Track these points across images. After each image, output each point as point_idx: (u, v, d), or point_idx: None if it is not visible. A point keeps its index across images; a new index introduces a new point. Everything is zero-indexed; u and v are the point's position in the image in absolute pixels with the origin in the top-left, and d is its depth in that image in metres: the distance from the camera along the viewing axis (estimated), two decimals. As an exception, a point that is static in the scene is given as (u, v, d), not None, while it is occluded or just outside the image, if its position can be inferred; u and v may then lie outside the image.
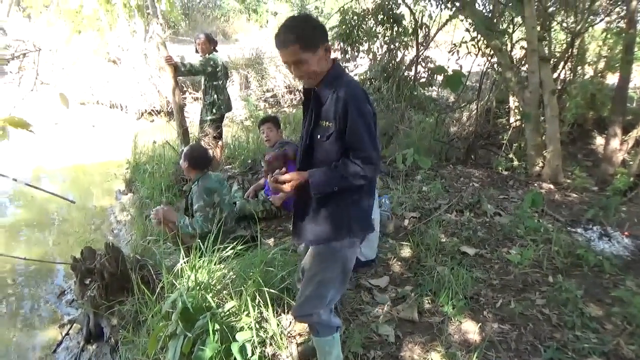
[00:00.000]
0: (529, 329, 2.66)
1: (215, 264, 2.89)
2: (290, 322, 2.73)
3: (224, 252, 3.01)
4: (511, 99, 6.79)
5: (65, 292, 4.08)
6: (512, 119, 6.76)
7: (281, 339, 2.52)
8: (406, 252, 3.57)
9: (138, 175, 5.57)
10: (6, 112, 1.68)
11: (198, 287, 2.63)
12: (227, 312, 2.52)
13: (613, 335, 2.59)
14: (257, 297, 2.61)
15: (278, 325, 2.59)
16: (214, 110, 5.49)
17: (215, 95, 5.47)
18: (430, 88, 8.24)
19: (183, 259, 2.88)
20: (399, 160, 4.97)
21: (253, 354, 2.32)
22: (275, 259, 3.01)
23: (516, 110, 6.60)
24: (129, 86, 9.90)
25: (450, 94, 9.02)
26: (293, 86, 10.33)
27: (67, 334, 3.45)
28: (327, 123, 1.82)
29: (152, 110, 10.01)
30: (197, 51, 5.43)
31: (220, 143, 5.69)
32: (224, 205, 3.66)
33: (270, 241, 3.79)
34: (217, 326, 2.32)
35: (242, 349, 2.26)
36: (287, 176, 1.87)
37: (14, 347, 3.57)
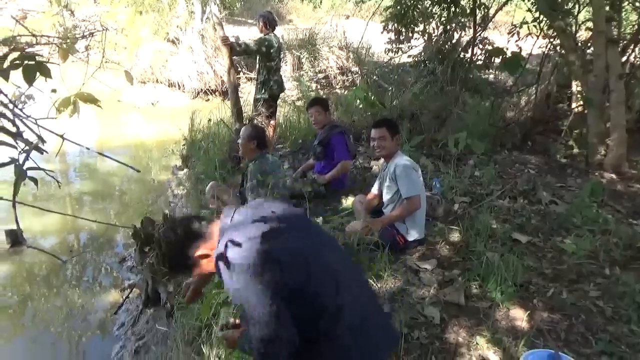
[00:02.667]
0: (580, 320, 2.59)
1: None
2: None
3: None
4: (574, 83, 6.46)
5: (126, 259, 4.33)
6: (573, 105, 6.44)
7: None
8: (455, 236, 3.53)
9: (194, 152, 5.79)
10: (76, 89, 1.79)
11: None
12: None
13: (672, 332, 2.48)
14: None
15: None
16: (267, 90, 5.57)
17: (269, 75, 5.54)
18: (487, 71, 7.96)
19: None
20: (451, 143, 4.89)
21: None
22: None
23: (579, 96, 6.27)
24: (187, 66, 10.19)
25: (508, 78, 8.69)
26: (345, 67, 10.28)
27: (127, 297, 3.69)
28: None
29: (208, 89, 10.29)
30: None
31: (272, 122, 5.78)
32: (278, 188, 3.74)
33: (319, 220, 3.86)
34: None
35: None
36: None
37: (79, 309, 3.85)
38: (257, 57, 5.53)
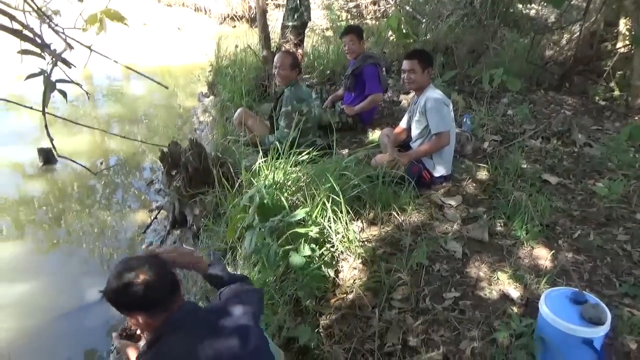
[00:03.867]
0: (605, 263, 2.56)
1: (290, 167, 2.99)
2: (362, 229, 2.81)
3: (300, 156, 3.08)
4: (622, 21, 6.02)
5: (154, 182, 4.43)
6: (619, 45, 6.03)
7: (351, 242, 2.61)
8: (483, 174, 3.47)
9: (220, 79, 5.71)
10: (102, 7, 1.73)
11: (274, 186, 2.75)
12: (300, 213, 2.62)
13: (700, 279, 2.44)
14: (330, 202, 2.68)
15: (347, 230, 2.67)
16: (296, 17, 5.38)
17: (298, 1, 5.33)
18: (529, 5, 7.49)
19: (261, 159, 3.00)
20: (485, 80, 4.68)
21: (321, 253, 2.44)
22: (348, 167, 3.04)
23: (626, 34, 5.87)
24: (213, -11, 9.89)
25: (551, 13, 8.17)
26: (378, -3, 9.82)
27: (155, 218, 3.81)
28: None
29: (235, 15, 10.01)
30: None
31: (300, 51, 5.62)
32: (310, 116, 3.70)
33: (345, 152, 3.82)
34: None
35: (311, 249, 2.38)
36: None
37: (109, 228, 4.00)
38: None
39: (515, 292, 2.33)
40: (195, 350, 1.39)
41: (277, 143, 3.13)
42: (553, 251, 2.61)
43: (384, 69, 4.43)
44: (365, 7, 9.83)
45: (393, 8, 8.94)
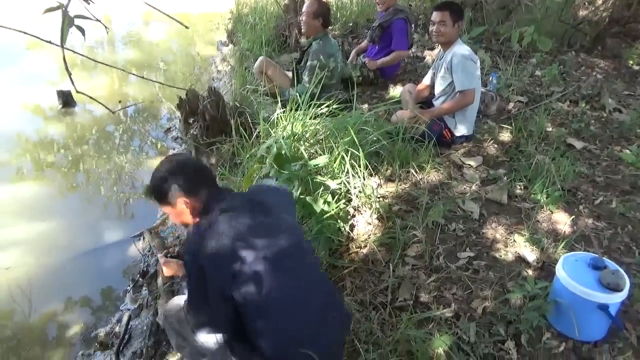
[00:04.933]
0: (626, 231, 2.51)
1: (310, 119, 2.94)
2: (379, 185, 2.78)
3: (319, 109, 3.03)
4: (666, -20, 5.67)
5: (171, 129, 4.42)
6: (660, 5, 5.71)
7: (369, 198, 2.59)
8: (505, 136, 3.38)
9: (240, 27, 5.58)
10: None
11: (292, 137, 2.71)
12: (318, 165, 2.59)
13: None
14: (348, 156, 2.64)
15: (365, 185, 2.64)
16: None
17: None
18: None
19: (280, 110, 2.95)
20: (514, 38, 4.53)
21: (338, 206, 2.43)
22: (368, 122, 2.98)
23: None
24: None
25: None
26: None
27: (172, 165, 3.80)
28: None
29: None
30: None
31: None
32: (336, 72, 3.61)
33: (365, 107, 3.75)
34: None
35: (327, 201, 2.37)
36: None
37: (127, 174, 4.03)
38: None
39: (531, 255, 2.30)
40: (246, 230, 1.46)
41: (297, 96, 3.07)
42: (573, 216, 2.56)
43: (412, 25, 4.25)
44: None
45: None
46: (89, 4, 1.59)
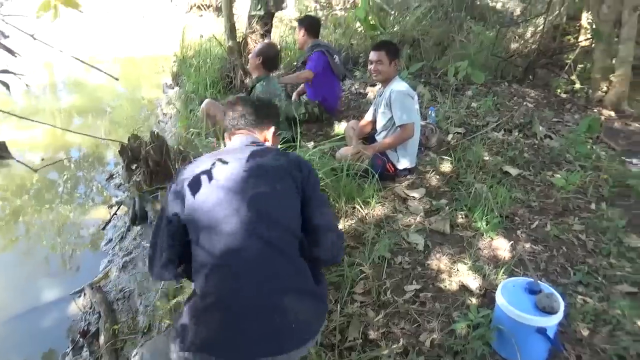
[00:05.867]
0: (561, 252, 2.63)
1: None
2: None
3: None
4: (584, 15, 6.17)
5: (114, 176, 4.31)
6: (581, 38, 6.19)
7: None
8: (446, 166, 3.51)
9: (184, 70, 5.59)
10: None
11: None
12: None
13: (649, 267, 2.53)
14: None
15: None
16: (263, 6, 5.30)
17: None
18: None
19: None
20: (450, 72, 4.74)
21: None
22: (313, 160, 3.02)
23: (588, 28, 6.03)
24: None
25: (516, 7, 8.31)
26: (347, -12, 9.76)
27: (115, 214, 3.70)
28: None
29: (202, 4, 9.80)
30: None
31: (266, 41, 5.55)
32: (281, 111, 3.68)
33: (310, 144, 3.80)
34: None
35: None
36: None
37: (70, 224, 3.88)
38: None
39: (474, 282, 2.36)
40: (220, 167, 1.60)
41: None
42: (512, 242, 2.66)
43: (336, 57, 4.40)
44: (335, -3, 9.76)
45: (362, -1, 8.91)
46: (14, 56, 1.57)
